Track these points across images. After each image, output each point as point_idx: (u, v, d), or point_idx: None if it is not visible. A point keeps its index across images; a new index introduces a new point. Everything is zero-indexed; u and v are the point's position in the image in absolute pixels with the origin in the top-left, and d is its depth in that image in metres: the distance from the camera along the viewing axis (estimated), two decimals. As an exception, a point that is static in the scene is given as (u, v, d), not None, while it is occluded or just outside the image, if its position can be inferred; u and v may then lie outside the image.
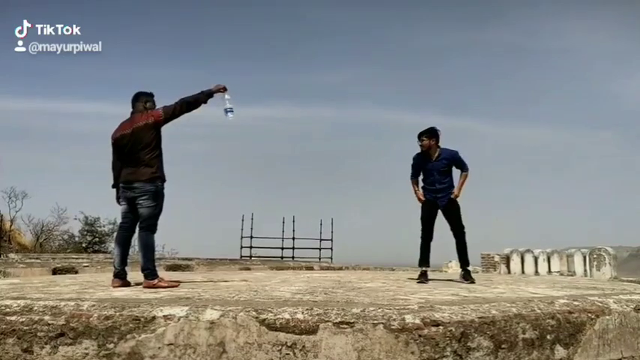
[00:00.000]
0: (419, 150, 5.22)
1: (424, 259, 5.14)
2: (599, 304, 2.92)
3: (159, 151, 4.00)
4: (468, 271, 5.17)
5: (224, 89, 4.16)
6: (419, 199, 5.20)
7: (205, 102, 4.08)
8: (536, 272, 12.55)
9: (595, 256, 12.05)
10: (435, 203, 5.10)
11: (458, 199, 5.13)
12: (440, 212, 5.15)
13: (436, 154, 5.13)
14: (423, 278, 4.98)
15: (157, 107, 4.06)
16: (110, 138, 4.07)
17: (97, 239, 21.53)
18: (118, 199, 4.13)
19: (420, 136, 5.13)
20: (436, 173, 5.10)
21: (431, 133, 5.12)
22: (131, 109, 4.09)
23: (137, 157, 3.91)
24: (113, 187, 4.18)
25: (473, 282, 4.93)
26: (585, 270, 12.20)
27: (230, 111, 4.20)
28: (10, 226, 20.56)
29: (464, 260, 5.19)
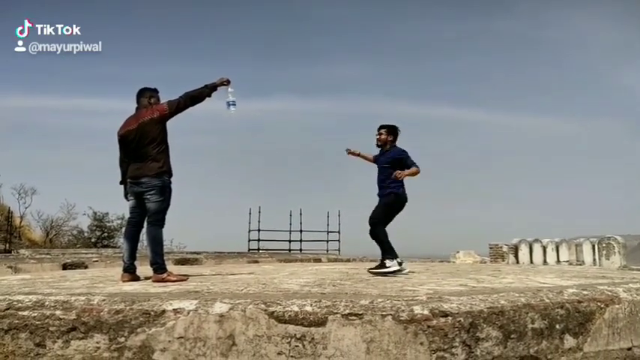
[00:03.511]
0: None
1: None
2: (609, 293, 2.91)
3: (165, 145, 4.01)
4: (383, 264, 4.86)
5: (227, 82, 4.15)
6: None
7: (209, 95, 4.09)
8: (545, 262, 12.51)
9: (604, 245, 11.97)
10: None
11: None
12: (395, 207, 5.04)
13: (387, 151, 5.08)
14: (404, 266, 4.82)
15: (161, 102, 4.07)
16: (116, 134, 4.09)
17: (105, 234, 21.74)
18: (126, 194, 4.15)
19: (380, 128, 5.08)
20: (379, 168, 5.07)
21: (390, 129, 5.07)
22: (136, 105, 4.10)
23: (144, 153, 3.92)
24: (121, 183, 4.19)
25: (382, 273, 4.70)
26: (594, 259, 12.14)
27: (232, 104, 4.19)
28: (20, 222, 20.79)
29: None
